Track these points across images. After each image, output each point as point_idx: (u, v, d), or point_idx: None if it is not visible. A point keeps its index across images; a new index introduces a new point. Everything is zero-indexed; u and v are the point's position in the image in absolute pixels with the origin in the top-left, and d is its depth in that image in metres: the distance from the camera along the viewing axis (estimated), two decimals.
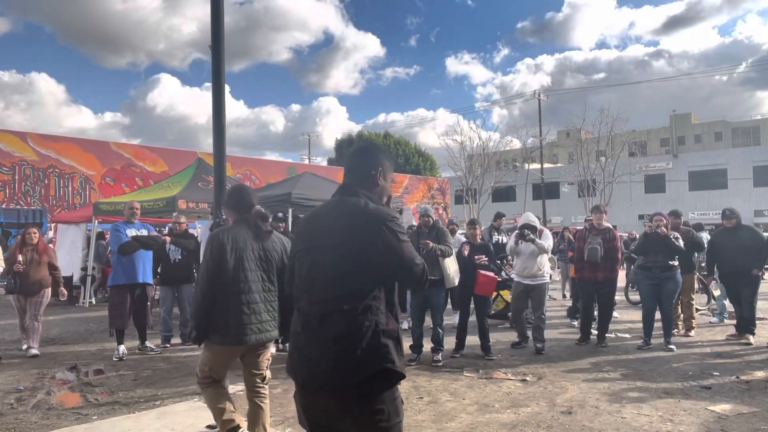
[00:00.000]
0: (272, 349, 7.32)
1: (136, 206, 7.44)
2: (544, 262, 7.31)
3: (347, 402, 2.10)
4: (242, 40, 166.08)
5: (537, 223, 7.45)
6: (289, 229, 8.26)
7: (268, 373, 3.85)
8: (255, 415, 3.73)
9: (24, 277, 7.04)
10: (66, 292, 7.75)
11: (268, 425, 3.77)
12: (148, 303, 7.45)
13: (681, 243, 7.28)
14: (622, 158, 39.24)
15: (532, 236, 7.09)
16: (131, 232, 7.12)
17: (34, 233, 7.32)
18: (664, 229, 7.18)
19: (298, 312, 2.26)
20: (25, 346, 7.23)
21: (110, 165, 24.36)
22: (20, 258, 7.03)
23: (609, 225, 7.71)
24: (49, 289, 7.34)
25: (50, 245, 8.68)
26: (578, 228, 11.88)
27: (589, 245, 7.45)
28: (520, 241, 7.18)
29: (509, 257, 8.22)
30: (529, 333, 7.45)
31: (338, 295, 2.13)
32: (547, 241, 7.35)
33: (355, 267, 2.14)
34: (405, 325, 7.89)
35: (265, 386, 3.81)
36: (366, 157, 2.40)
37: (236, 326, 3.46)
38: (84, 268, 12.71)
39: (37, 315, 7.22)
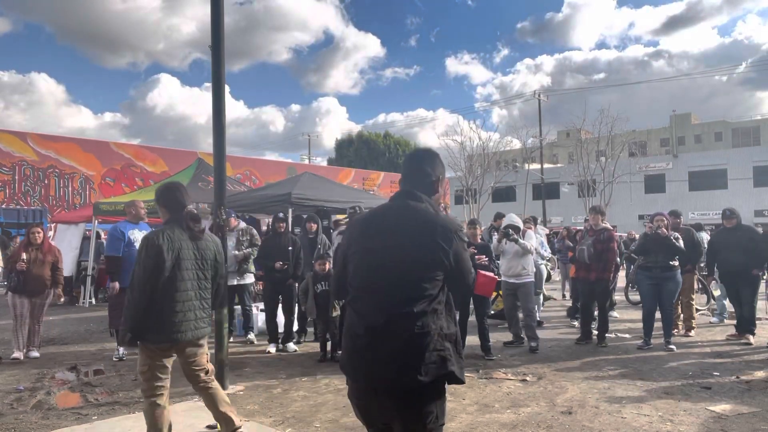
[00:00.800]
0: (272, 349, 7.34)
1: (142, 205, 7.32)
2: (528, 262, 7.47)
3: (406, 403, 2.13)
4: (242, 40, 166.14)
5: (520, 224, 7.64)
6: (289, 228, 8.27)
7: (210, 366, 3.91)
8: (212, 398, 3.80)
9: (28, 276, 6.93)
10: (62, 295, 7.60)
11: (227, 400, 3.90)
12: None
13: (681, 243, 7.29)
14: (622, 158, 39.18)
15: (515, 236, 7.26)
16: (135, 234, 7.04)
17: (38, 232, 7.24)
18: (665, 230, 7.19)
19: (356, 313, 2.25)
20: (16, 353, 6.87)
21: (110, 165, 24.35)
22: (24, 257, 6.95)
23: (607, 225, 7.76)
24: (52, 290, 7.23)
25: (54, 246, 8.54)
26: (578, 228, 11.89)
27: (579, 246, 7.64)
28: (504, 241, 7.36)
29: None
30: (523, 333, 7.51)
31: (406, 298, 2.15)
32: (530, 241, 7.50)
33: (425, 271, 2.18)
34: None
35: (211, 378, 3.87)
36: (427, 164, 2.43)
37: (172, 325, 3.52)
38: (83, 268, 12.71)
39: (40, 317, 7.12)
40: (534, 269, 7.77)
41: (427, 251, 2.20)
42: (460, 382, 2.19)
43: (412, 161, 2.48)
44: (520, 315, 7.59)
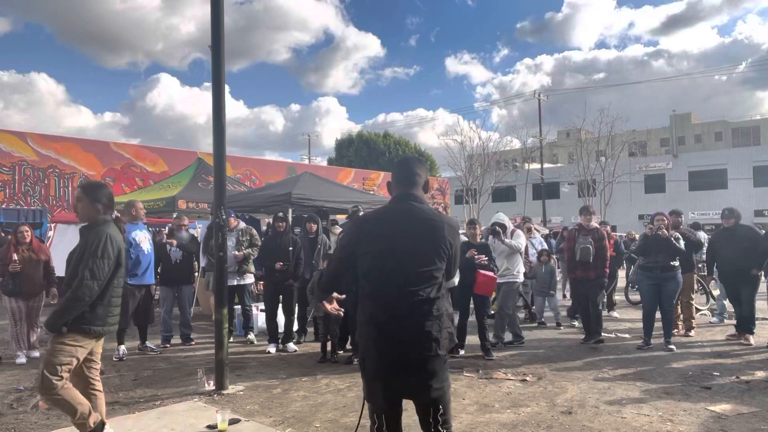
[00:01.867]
0: (272, 349, 7.33)
1: (141, 206, 7.37)
2: (515, 262, 7.51)
3: (427, 375, 2.57)
4: (242, 40, 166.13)
5: (507, 223, 7.68)
6: (289, 228, 8.26)
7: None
8: (98, 403, 3.77)
9: (24, 277, 6.76)
10: (57, 294, 7.47)
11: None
12: (152, 303, 7.46)
13: (681, 243, 7.30)
14: (622, 158, 39.15)
15: (501, 236, 7.30)
16: (137, 234, 7.05)
17: (26, 231, 6.98)
18: (665, 231, 7.19)
19: (379, 303, 2.60)
20: (21, 358, 6.76)
21: (110, 165, 24.34)
22: (16, 257, 6.73)
23: (596, 225, 7.86)
24: (45, 291, 7.08)
25: (44, 244, 8.47)
26: (574, 228, 11.86)
27: (580, 245, 7.57)
28: (493, 239, 7.43)
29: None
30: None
31: (423, 288, 2.58)
32: (518, 239, 7.53)
33: (436, 263, 2.63)
34: None
35: (99, 378, 3.89)
36: (419, 168, 2.81)
37: (112, 316, 3.68)
38: None
39: (37, 319, 6.96)
40: (522, 269, 7.79)
41: (437, 246, 2.63)
42: (459, 350, 2.75)
43: (407, 166, 2.82)
44: (521, 314, 7.61)
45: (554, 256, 12.70)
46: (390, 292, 2.58)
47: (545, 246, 10.37)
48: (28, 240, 6.96)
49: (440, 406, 2.64)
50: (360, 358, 2.71)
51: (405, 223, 2.64)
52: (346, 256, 2.76)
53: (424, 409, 2.65)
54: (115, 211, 3.87)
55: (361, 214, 6.99)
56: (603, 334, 7.73)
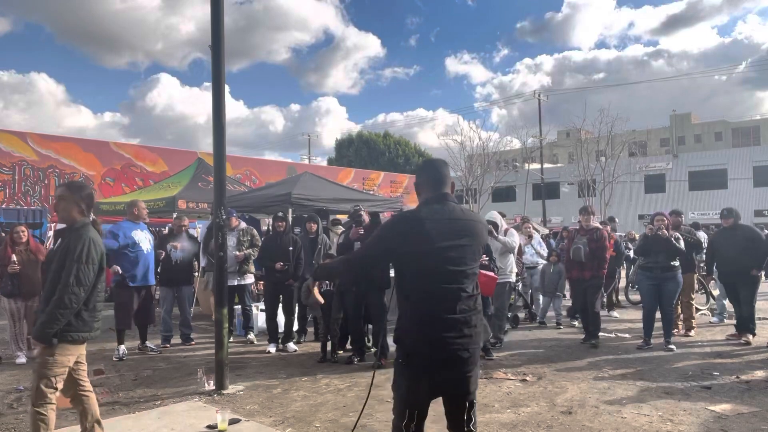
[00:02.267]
0: (272, 349, 7.33)
1: (143, 205, 7.37)
2: (509, 261, 7.48)
3: (469, 368, 2.70)
4: (241, 40, 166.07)
5: (500, 221, 7.63)
6: (289, 228, 8.26)
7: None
8: (90, 403, 3.72)
9: (23, 278, 6.71)
10: None
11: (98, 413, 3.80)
12: (153, 303, 7.46)
13: (682, 244, 7.30)
14: (622, 158, 39.16)
15: (494, 233, 7.27)
16: (137, 234, 7.06)
17: (23, 231, 6.92)
18: (665, 232, 7.19)
19: (431, 301, 2.65)
20: (21, 358, 6.77)
21: (110, 165, 24.35)
22: (14, 258, 6.69)
23: (597, 225, 7.85)
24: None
25: (42, 245, 8.45)
26: (575, 228, 11.87)
27: (574, 245, 7.64)
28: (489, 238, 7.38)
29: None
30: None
31: (469, 284, 2.74)
32: (512, 238, 7.52)
33: (477, 261, 2.83)
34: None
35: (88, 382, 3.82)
36: (448, 171, 2.93)
37: (95, 320, 3.60)
38: None
39: (36, 320, 6.98)
40: (515, 269, 7.77)
41: (479, 245, 2.81)
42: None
43: (438, 168, 2.90)
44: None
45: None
46: (442, 291, 2.66)
47: (544, 247, 10.35)
48: (24, 240, 6.91)
49: (474, 401, 2.76)
50: (404, 355, 2.70)
51: (452, 223, 2.71)
52: (381, 251, 2.81)
53: (459, 404, 2.73)
54: (92, 214, 3.77)
55: (362, 212, 6.95)
56: (603, 334, 7.73)
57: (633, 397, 5.15)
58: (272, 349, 7.36)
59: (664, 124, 64.31)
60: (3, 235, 13.91)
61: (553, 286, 9.31)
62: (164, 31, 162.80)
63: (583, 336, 7.80)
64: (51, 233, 15.97)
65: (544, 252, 9.99)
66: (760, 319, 8.58)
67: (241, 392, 5.45)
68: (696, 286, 9.01)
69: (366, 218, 6.92)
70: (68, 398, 3.75)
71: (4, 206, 19.35)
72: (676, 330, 8.07)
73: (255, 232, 8.39)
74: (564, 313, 9.58)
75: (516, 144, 45.49)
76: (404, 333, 2.70)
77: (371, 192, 28.90)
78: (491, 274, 6.93)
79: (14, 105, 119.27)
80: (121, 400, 5.20)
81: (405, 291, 2.71)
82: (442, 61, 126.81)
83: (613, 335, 8.16)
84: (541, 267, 9.68)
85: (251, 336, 8.01)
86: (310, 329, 8.24)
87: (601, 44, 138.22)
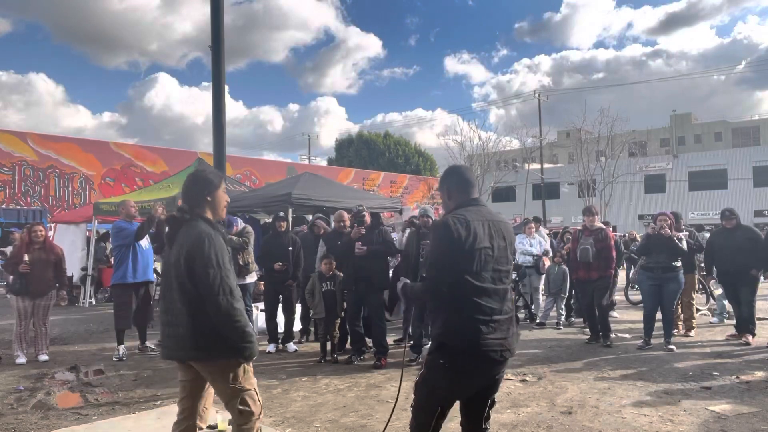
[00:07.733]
0: (272, 349, 7.33)
1: (133, 203, 7.43)
2: None
3: (503, 366, 2.83)
4: (240, 40, 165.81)
5: None
6: (289, 228, 8.26)
7: None
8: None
9: (31, 277, 6.67)
10: (66, 297, 7.40)
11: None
12: (151, 302, 7.45)
13: (684, 244, 7.30)
14: (622, 158, 39.19)
15: None
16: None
17: (41, 231, 6.90)
18: (668, 230, 7.18)
19: (485, 300, 2.72)
20: (21, 358, 6.70)
21: (110, 165, 24.36)
22: (26, 258, 6.66)
23: (601, 225, 7.85)
24: (56, 290, 7.00)
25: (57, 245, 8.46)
26: (578, 228, 11.86)
27: (580, 246, 7.62)
28: None
29: None
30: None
31: (509, 283, 2.88)
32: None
33: (512, 260, 2.96)
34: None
35: None
36: (474, 175, 3.13)
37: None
38: (84, 268, 12.72)
39: (45, 319, 6.90)
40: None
41: (512, 246, 2.95)
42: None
43: (466, 173, 3.12)
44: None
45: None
46: (492, 291, 2.75)
47: (544, 246, 10.31)
48: (41, 239, 6.89)
49: (494, 397, 2.89)
50: (449, 357, 2.69)
51: (492, 224, 2.83)
52: (449, 262, 2.71)
53: (484, 401, 2.84)
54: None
55: (364, 212, 6.93)
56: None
57: (633, 397, 5.14)
58: (272, 349, 7.36)
59: (664, 124, 64.39)
60: (11, 234, 13.94)
61: (557, 287, 9.31)
62: (163, 31, 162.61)
63: (586, 337, 7.81)
64: (51, 233, 15.96)
65: (535, 251, 9.84)
66: (760, 319, 8.57)
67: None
68: (697, 286, 9.00)
69: (368, 218, 6.91)
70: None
71: (4, 206, 19.35)
72: (676, 330, 8.06)
73: (249, 228, 8.32)
74: (564, 313, 9.57)
75: (516, 144, 45.54)
76: (452, 335, 2.71)
77: (371, 192, 28.91)
78: None
79: (13, 105, 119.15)
80: (121, 400, 5.20)
81: (454, 294, 2.71)
82: (441, 61, 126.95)
83: (613, 335, 8.14)
84: (534, 262, 9.58)
85: None
86: (310, 329, 8.23)
87: (599, 44, 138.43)
